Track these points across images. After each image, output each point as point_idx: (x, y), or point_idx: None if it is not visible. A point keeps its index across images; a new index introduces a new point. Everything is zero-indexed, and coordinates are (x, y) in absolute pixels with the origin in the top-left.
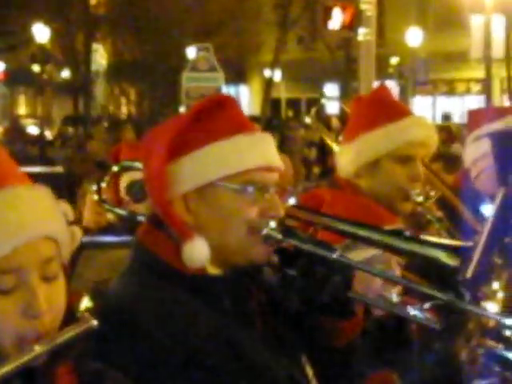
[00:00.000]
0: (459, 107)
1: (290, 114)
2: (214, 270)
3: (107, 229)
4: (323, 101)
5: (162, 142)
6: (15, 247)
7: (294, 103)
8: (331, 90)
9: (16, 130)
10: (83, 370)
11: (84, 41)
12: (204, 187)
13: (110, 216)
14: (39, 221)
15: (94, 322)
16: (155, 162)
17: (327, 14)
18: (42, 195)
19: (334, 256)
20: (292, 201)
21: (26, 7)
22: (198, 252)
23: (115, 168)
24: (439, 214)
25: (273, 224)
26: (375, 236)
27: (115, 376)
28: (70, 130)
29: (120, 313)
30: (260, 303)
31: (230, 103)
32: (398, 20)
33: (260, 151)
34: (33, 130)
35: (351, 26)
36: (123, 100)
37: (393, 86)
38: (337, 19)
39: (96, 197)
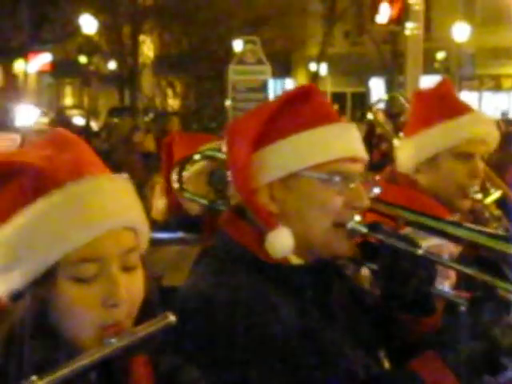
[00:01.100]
0: (505, 103)
1: (336, 108)
2: (296, 260)
3: (162, 226)
4: (385, 96)
5: (247, 130)
6: (97, 236)
7: (339, 97)
8: (377, 84)
9: (62, 121)
10: (159, 363)
11: (131, 32)
12: (289, 177)
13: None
14: (120, 211)
15: (173, 318)
16: (240, 151)
17: (375, 9)
18: (123, 185)
19: (420, 252)
20: (377, 191)
21: None
22: (281, 242)
23: (197, 156)
24: (498, 212)
25: (358, 217)
26: (460, 233)
27: (190, 370)
28: (116, 121)
29: (199, 301)
30: (341, 295)
31: (316, 93)
32: (445, 15)
33: (346, 141)
34: (78, 121)
35: (398, 20)
36: (169, 92)
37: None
38: (384, 13)
39: (177, 185)
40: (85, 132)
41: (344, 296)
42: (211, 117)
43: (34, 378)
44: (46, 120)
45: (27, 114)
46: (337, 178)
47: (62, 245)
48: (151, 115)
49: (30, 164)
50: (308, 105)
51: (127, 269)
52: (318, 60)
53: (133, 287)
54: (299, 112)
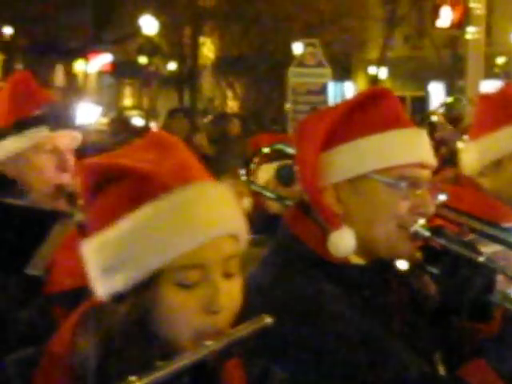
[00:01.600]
0: None
1: None
2: (356, 260)
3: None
4: (448, 99)
5: (317, 130)
6: (202, 244)
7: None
8: (436, 88)
9: (121, 122)
10: (250, 366)
11: (191, 34)
12: (356, 178)
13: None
14: (225, 219)
15: (269, 320)
16: (309, 150)
17: (436, 13)
18: (226, 192)
19: (481, 259)
20: (442, 197)
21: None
22: (344, 242)
23: (266, 149)
24: None
25: (422, 221)
26: None
27: (279, 374)
28: (175, 122)
29: (258, 297)
30: (399, 296)
31: (388, 97)
32: (506, 20)
33: (415, 147)
34: (138, 121)
35: (460, 24)
36: (229, 94)
37: (498, 86)
38: (445, 17)
39: (244, 177)
40: (144, 132)
41: (402, 297)
42: (271, 119)
43: (133, 378)
44: (105, 120)
45: (88, 113)
46: (403, 184)
47: (168, 251)
48: (210, 117)
49: (136, 167)
50: (379, 108)
51: (228, 275)
52: (378, 63)
53: (233, 293)
54: (370, 115)
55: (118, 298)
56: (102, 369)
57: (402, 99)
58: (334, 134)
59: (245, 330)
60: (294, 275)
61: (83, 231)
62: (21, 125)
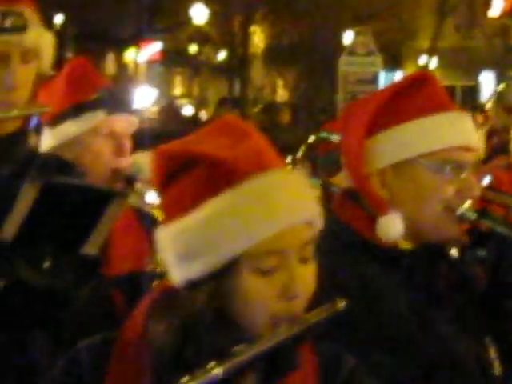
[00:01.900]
0: None
1: None
2: (405, 245)
3: None
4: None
5: (361, 116)
6: (281, 230)
7: (449, 91)
8: (487, 78)
9: (171, 110)
10: (322, 351)
11: (242, 23)
12: (401, 163)
13: None
14: (303, 206)
15: (343, 304)
16: (354, 136)
17: (487, 2)
18: (303, 179)
19: None
20: (486, 181)
21: None
22: (393, 226)
23: (312, 138)
24: None
25: (468, 204)
26: None
27: (349, 357)
28: (225, 111)
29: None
30: (448, 280)
31: (431, 81)
32: None
33: (459, 130)
34: (188, 110)
35: (511, 13)
36: (279, 83)
37: None
38: (497, 7)
39: (290, 167)
40: (194, 121)
41: (452, 281)
42: (321, 109)
43: (212, 364)
44: (155, 109)
45: (144, 97)
46: (448, 167)
47: (248, 238)
48: (260, 106)
49: (213, 154)
50: (423, 92)
51: (304, 260)
52: (429, 53)
53: (308, 278)
54: (414, 99)
55: (195, 284)
56: (179, 356)
57: (453, 89)
58: (378, 120)
59: (319, 314)
60: (347, 261)
61: (140, 215)
62: (78, 109)
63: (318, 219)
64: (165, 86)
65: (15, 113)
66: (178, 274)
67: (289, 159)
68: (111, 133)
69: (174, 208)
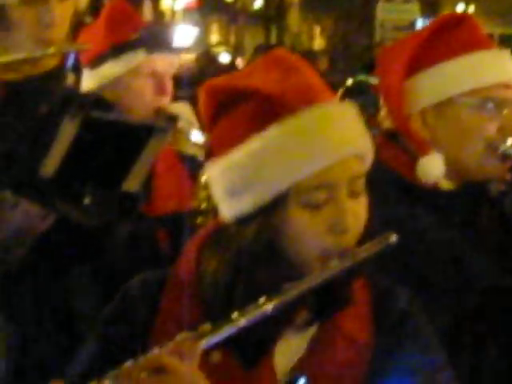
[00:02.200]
0: None
1: None
2: (446, 185)
3: None
4: None
5: (400, 57)
6: (330, 164)
7: None
8: None
9: (208, 58)
10: (376, 285)
11: None
12: (442, 103)
13: None
14: (352, 139)
15: (395, 239)
16: (393, 78)
17: None
18: (352, 112)
19: None
20: None
21: None
22: (434, 166)
23: (349, 82)
24: None
25: (510, 141)
26: None
27: (404, 292)
28: None
29: None
30: (490, 220)
31: (469, 20)
32: None
33: (499, 67)
34: (224, 58)
35: None
36: (316, 30)
37: None
38: None
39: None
40: (230, 69)
41: (494, 221)
42: (358, 56)
43: (262, 299)
44: (191, 56)
45: (185, 36)
46: (490, 105)
47: (295, 172)
48: (297, 53)
49: (261, 88)
50: (461, 30)
51: (354, 195)
52: (466, 0)
53: (359, 213)
54: (452, 37)
55: (245, 220)
56: (231, 291)
57: (490, 36)
58: (417, 60)
59: (371, 248)
60: (387, 201)
61: (182, 156)
62: (118, 49)
63: (368, 153)
64: (201, 33)
65: (52, 50)
66: (228, 210)
67: None
68: (152, 72)
69: (223, 143)
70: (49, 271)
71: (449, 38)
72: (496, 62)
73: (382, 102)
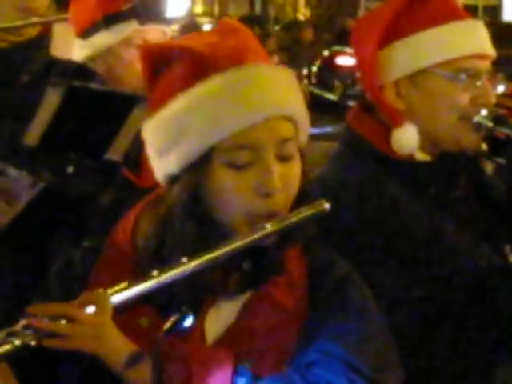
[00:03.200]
0: None
1: None
2: (421, 157)
3: None
4: None
5: (374, 27)
6: (253, 124)
7: (470, 10)
8: None
9: (192, 28)
10: (312, 256)
11: None
12: (416, 74)
13: None
14: (279, 100)
15: (327, 206)
16: (367, 48)
17: None
18: (284, 75)
19: None
20: (501, 88)
21: None
22: (407, 137)
23: (326, 52)
24: None
25: (484, 112)
26: None
27: (344, 266)
28: None
29: (324, 194)
30: (466, 190)
31: None
32: None
33: (474, 38)
34: (209, 28)
35: None
36: (301, 1)
37: None
38: None
39: (306, 81)
40: None
41: (469, 191)
42: (342, 26)
43: (184, 259)
44: (176, 27)
45: (177, 6)
46: (463, 76)
47: (218, 130)
48: (281, 24)
49: (191, 48)
50: (436, 1)
51: (283, 158)
52: None
53: (288, 177)
54: (427, 8)
55: (173, 179)
56: (159, 247)
57: (474, 8)
58: (390, 31)
59: (301, 213)
60: (361, 172)
61: None
62: (109, 19)
63: (300, 116)
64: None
65: (34, 20)
66: (158, 169)
67: (305, 71)
68: (144, 43)
69: (156, 102)
70: (31, 240)
71: (423, 9)
72: (470, 32)
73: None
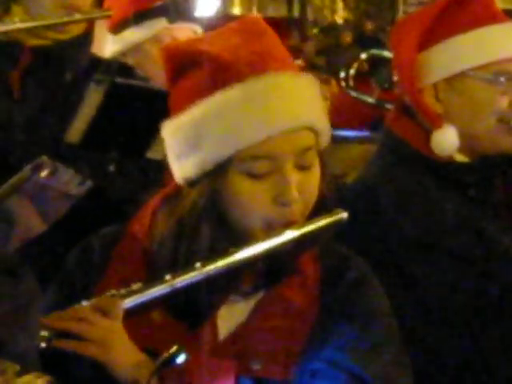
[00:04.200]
0: None
1: None
2: (461, 159)
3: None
4: None
5: (413, 30)
6: (270, 135)
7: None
8: None
9: None
10: (327, 258)
11: None
12: (455, 76)
13: None
14: (300, 111)
15: (345, 215)
16: (406, 51)
17: None
18: (306, 84)
19: None
20: None
21: None
22: (447, 140)
23: (363, 55)
24: None
25: None
26: None
27: (359, 266)
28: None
29: (363, 196)
30: (505, 195)
31: None
32: None
33: (511, 41)
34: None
35: None
36: (339, 4)
37: None
38: None
39: (344, 83)
40: None
41: (509, 195)
42: (382, 29)
43: (198, 264)
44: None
45: (208, 4)
46: (502, 79)
47: (236, 141)
48: (319, 27)
49: (213, 54)
50: (475, 4)
51: (302, 168)
52: None
53: (307, 186)
54: (466, 11)
55: (192, 182)
56: (175, 250)
57: (507, 12)
58: (430, 33)
59: (319, 222)
60: (401, 175)
61: None
62: (140, 16)
63: (320, 125)
64: (223, 4)
65: (78, 17)
66: (177, 172)
67: (342, 75)
68: (173, 41)
69: (177, 105)
70: (71, 240)
71: (462, 12)
72: (508, 35)
73: (395, 76)
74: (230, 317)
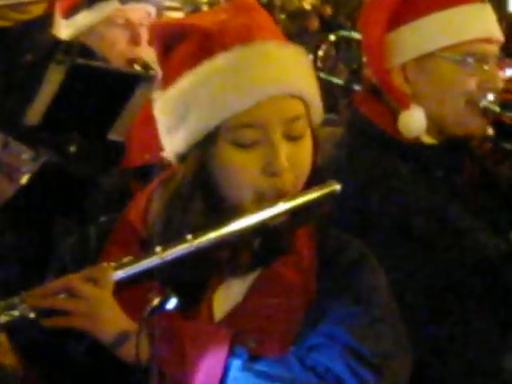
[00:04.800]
0: None
1: None
2: (428, 141)
3: None
4: None
5: (382, 10)
6: (258, 102)
7: None
8: None
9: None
10: (323, 238)
11: None
12: (423, 57)
13: None
14: (287, 78)
15: (338, 187)
16: (375, 31)
17: None
18: (295, 53)
19: None
20: (510, 73)
21: None
22: (414, 121)
23: (332, 37)
24: None
25: (491, 97)
26: None
27: (356, 247)
28: None
29: (333, 177)
30: (473, 176)
31: None
32: None
33: (481, 22)
34: None
35: None
36: None
37: None
38: None
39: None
40: None
41: (475, 176)
42: (349, 16)
43: (189, 236)
44: (180, 14)
45: None
46: (470, 60)
47: (222, 109)
48: (287, 12)
49: (199, 26)
50: None
51: (292, 137)
52: None
53: (297, 157)
54: None
55: (182, 157)
56: (168, 226)
57: None
58: (399, 14)
59: (311, 194)
60: (368, 155)
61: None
62: None
63: (310, 95)
64: None
65: None
66: (167, 147)
67: (310, 57)
68: (126, 22)
69: (165, 81)
70: (34, 215)
71: None
72: (477, 16)
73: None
74: (226, 299)
